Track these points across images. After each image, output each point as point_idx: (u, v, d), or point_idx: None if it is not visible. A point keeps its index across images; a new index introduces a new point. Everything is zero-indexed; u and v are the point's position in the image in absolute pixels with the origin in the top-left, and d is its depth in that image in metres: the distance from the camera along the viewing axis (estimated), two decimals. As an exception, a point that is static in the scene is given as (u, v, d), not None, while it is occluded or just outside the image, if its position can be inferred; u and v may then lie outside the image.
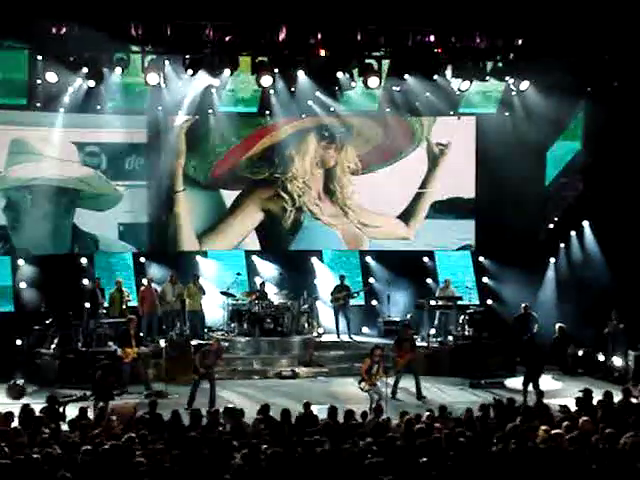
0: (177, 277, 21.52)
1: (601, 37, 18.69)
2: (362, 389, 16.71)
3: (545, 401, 14.46)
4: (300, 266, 23.30)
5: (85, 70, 18.94)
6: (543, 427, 11.41)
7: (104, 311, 20.90)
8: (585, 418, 12.02)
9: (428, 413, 12.96)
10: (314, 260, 23.77)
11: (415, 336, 21.07)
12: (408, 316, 22.14)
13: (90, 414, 13.49)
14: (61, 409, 14.44)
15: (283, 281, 22.62)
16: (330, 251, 24.16)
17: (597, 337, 20.67)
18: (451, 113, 22.94)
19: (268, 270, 23.15)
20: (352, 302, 22.67)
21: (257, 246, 23.48)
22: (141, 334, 19.87)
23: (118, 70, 19.07)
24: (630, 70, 19.60)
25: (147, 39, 18.74)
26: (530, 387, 17.19)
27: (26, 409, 13.10)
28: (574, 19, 18.12)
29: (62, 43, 18.13)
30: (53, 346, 19.37)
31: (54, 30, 17.96)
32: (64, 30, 17.96)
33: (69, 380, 18.55)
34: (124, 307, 21.08)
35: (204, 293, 21.54)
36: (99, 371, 16.40)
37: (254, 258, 23.46)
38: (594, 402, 13.97)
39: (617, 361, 19.85)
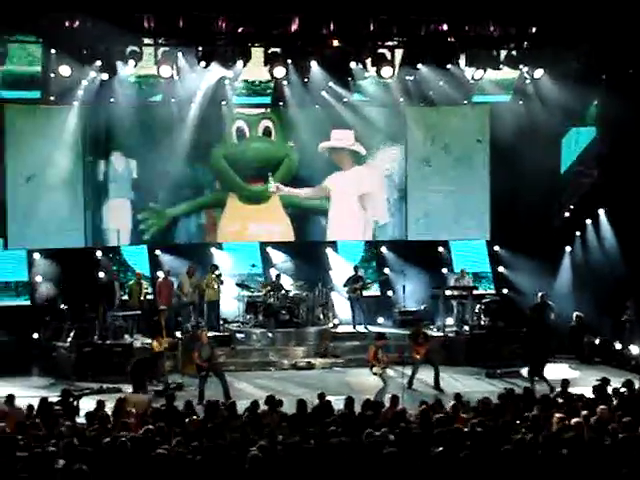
0: (195, 269, 21.54)
1: (615, 24, 18.59)
2: (375, 373, 17.02)
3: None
4: (315, 257, 23.28)
5: (98, 63, 18.98)
6: (558, 415, 11.40)
7: (119, 303, 20.94)
8: (603, 407, 12.00)
9: (453, 402, 12.95)
10: (329, 251, 23.75)
11: (431, 326, 21.22)
12: (422, 307, 22.13)
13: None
14: (75, 402, 14.48)
15: (298, 272, 22.59)
16: (344, 242, 24.16)
17: (614, 326, 20.62)
18: (465, 102, 22.87)
19: (283, 261, 23.12)
20: (367, 293, 22.65)
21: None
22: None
23: (131, 63, 19.08)
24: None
25: (160, 31, 18.76)
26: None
27: (44, 403, 13.18)
28: (588, 6, 18.02)
29: (75, 36, 18.17)
30: (69, 339, 19.45)
31: (67, 23, 18.01)
32: (77, 23, 18.00)
33: (85, 373, 18.62)
34: (142, 299, 21.16)
35: (222, 283, 21.57)
36: (132, 363, 16.58)
37: (269, 250, 23.45)
38: (610, 391, 13.97)
39: (634, 349, 19.79)
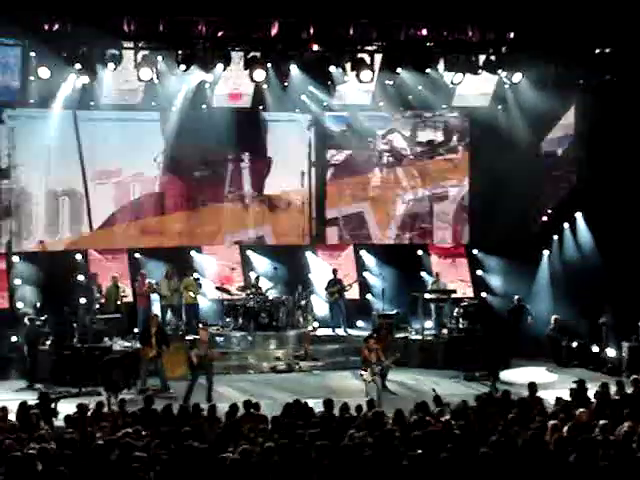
0: (173, 272, 21.54)
1: (593, 31, 18.76)
2: (365, 380, 16.87)
3: (541, 393, 14.53)
4: (294, 260, 23.32)
5: (78, 66, 18.93)
6: (538, 419, 11.50)
7: (99, 306, 20.90)
8: (581, 409, 12.10)
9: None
10: (308, 254, 23.80)
11: (409, 328, 21.36)
12: (395, 311, 22.12)
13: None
14: (53, 406, 14.43)
15: (278, 275, 22.62)
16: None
17: (591, 329, 20.75)
18: (443, 107, 23.03)
19: (262, 264, 23.15)
20: (347, 296, 22.71)
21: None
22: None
23: (111, 66, 19.04)
24: (622, 63, 19.64)
25: (140, 34, 18.72)
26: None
27: (23, 406, 13.14)
28: (566, 13, 18.16)
29: (55, 39, 18.11)
30: (48, 342, 19.39)
31: (47, 26, 17.95)
32: (57, 26, 17.95)
33: (64, 377, 18.54)
34: (119, 303, 21.13)
35: (200, 287, 21.59)
36: (104, 364, 16.54)
37: (249, 253, 23.47)
38: (588, 393, 14.07)
39: (611, 352, 19.93)
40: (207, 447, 10.17)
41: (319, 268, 23.65)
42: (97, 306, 20.80)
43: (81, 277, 21.51)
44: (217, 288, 22.13)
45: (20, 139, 21.51)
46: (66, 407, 14.03)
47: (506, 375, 19.07)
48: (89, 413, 12.95)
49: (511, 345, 19.77)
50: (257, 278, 22.07)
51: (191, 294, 21.38)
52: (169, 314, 21.34)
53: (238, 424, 12.11)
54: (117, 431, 11.31)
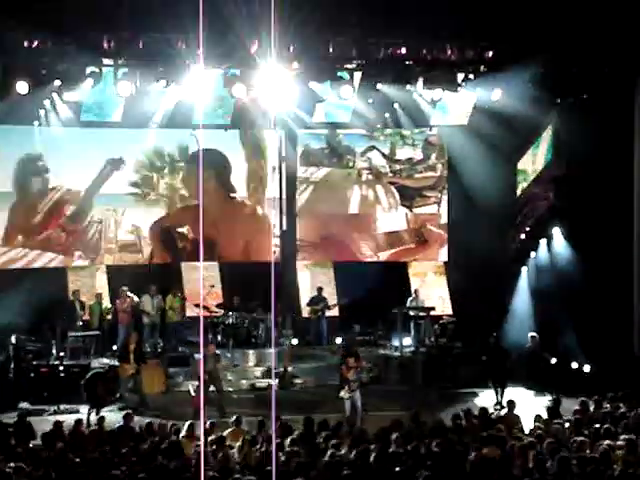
0: (157, 289, 21.51)
1: (570, 50, 18.94)
2: (341, 397, 16.79)
3: (518, 410, 14.59)
4: (276, 277, 23.19)
5: (57, 83, 18.90)
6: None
7: (81, 323, 20.83)
8: (557, 427, 12.16)
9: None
10: (291, 271, 23.81)
11: (389, 345, 21.38)
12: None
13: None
14: (30, 424, 14.32)
15: (258, 292, 22.57)
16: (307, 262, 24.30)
17: (570, 345, 20.79)
18: (422, 124, 23.16)
19: (243, 281, 23.08)
20: (328, 313, 22.75)
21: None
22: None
23: (90, 82, 19.02)
24: (598, 82, 19.81)
25: (119, 51, 18.72)
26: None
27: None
28: (544, 32, 18.32)
29: (34, 56, 18.09)
30: (26, 359, 19.27)
31: (26, 43, 17.92)
32: (36, 43, 17.94)
33: (42, 394, 18.40)
34: (103, 320, 21.09)
35: (184, 304, 21.60)
36: (87, 378, 16.51)
37: (230, 269, 23.43)
38: (567, 410, 14.15)
39: (588, 369, 19.99)
40: (184, 466, 10.16)
41: (300, 284, 23.68)
42: (80, 323, 20.74)
43: (62, 294, 21.47)
44: (196, 305, 22.09)
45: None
46: (46, 425, 13.94)
47: (484, 393, 19.11)
48: (67, 431, 12.90)
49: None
50: (238, 295, 22.07)
51: (173, 313, 21.38)
52: (149, 331, 21.27)
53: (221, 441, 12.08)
54: (95, 449, 11.26)
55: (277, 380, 20.23)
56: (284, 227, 23.96)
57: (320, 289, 22.86)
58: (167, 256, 23.45)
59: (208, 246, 22.58)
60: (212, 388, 17.47)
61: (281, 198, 23.84)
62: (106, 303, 21.68)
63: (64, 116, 21.21)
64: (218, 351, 18.77)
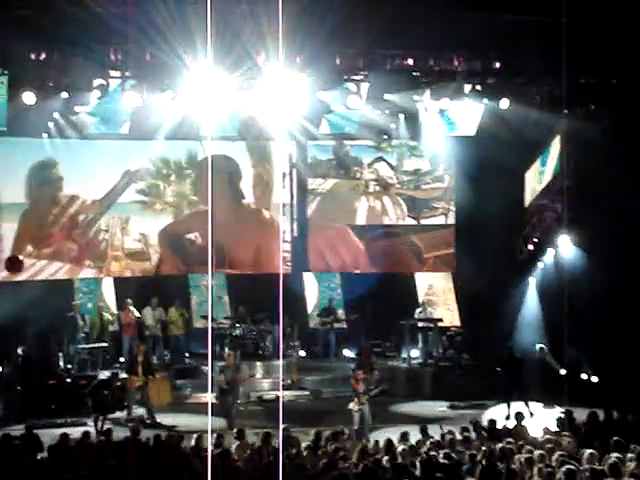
0: (158, 302, 21.47)
1: (577, 60, 18.89)
2: (351, 409, 16.70)
3: (526, 422, 14.52)
4: (284, 288, 23.13)
5: (65, 95, 18.93)
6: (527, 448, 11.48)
7: (83, 335, 20.79)
8: (567, 439, 12.08)
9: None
10: (299, 282, 23.77)
11: (397, 357, 21.36)
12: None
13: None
14: (38, 436, 14.29)
15: (265, 304, 22.53)
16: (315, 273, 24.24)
17: (579, 356, 20.71)
18: (430, 135, 23.11)
19: (250, 292, 23.04)
20: (336, 324, 22.74)
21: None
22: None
23: (97, 94, 19.04)
24: (606, 93, 19.79)
25: (126, 63, 18.74)
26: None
27: (6, 438, 13.05)
28: (551, 43, 18.28)
29: (41, 69, 18.12)
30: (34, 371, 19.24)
31: (33, 56, 17.96)
32: (43, 56, 17.97)
33: (49, 407, 18.37)
34: (103, 333, 21.05)
35: (185, 317, 21.53)
36: (93, 386, 16.50)
37: (236, 281, 23.37)
38: (576, 422, 14.06)
39: (597, 380, 19.90)
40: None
41: (309, 296, 23.64)
42: (82, 335, 20.71)
43: (69, 305, 21.45)
44: (202, 317, 22.05)
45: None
46: (53, 438, 13.90)
47: (492, 404, 19.03)
48: (74, 443, 12.86)
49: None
50: (244, 307, 22.03)
51: (175, 326, 21.35)
52: (152, 344, 21.23)
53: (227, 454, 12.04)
54: (102, 462, 11.22)
55: (285, 392, 20.21)
56: (295, 233, 23.90)
57: (331, 301, 22.87)
58: (176, 262, 23.33)
59: (218, 251, 22.45)
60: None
61: (292, 205, 23.79)
62: (107, 315, 21.59)
63: (73, 128, 21.17)
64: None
